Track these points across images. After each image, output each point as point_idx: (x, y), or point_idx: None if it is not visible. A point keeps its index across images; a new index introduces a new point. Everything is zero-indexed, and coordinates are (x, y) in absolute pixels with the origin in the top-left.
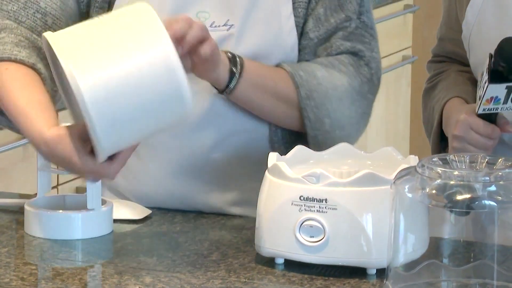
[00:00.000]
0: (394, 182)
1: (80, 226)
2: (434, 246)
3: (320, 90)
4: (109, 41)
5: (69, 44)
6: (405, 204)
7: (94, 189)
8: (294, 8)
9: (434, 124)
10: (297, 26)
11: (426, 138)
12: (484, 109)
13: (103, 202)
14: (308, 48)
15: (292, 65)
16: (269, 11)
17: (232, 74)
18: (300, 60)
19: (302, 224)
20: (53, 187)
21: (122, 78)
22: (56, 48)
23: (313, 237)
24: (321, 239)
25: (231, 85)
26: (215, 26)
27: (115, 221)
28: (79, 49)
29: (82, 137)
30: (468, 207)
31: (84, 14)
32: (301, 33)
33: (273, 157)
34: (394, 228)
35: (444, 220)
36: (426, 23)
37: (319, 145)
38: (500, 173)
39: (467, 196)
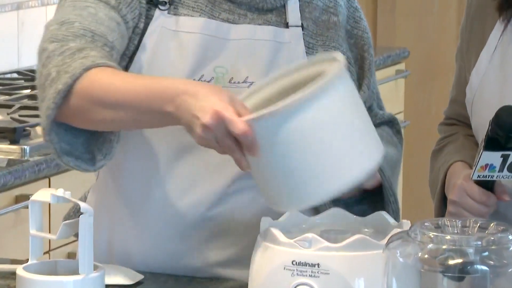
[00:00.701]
0: (386, 247)
1: None
2: None
3: (389, 167)
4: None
5: None
6: (398, 268)
7: (86, 254)
8: None
9: (438, 187)
10: None
11: (418, 200)
12: (478, 176)
13: (95, 267)
14: None
15: None
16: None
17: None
18: None
19: None
20: (45, 252)
21: None
22: None
23: None
24: None
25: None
26: (234, 82)
27: (107, 286)
28: None
29: None
30: (460, 272)
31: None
32: None
33: (265, 222)
34: None
35: (436, 285)
36: (418, 88)
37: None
38: (492, 238)
39: (460, 260)
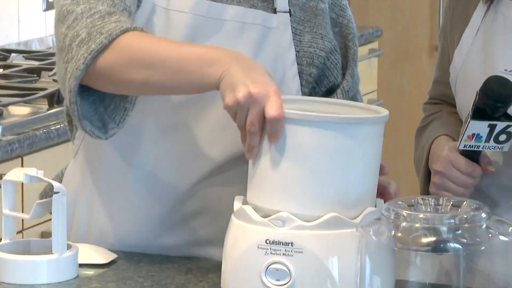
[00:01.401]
0: (360, 225)
1: (45, 271)
2: None
3: None
4: None
5: None
6: (371, 247)
7: (59, 234)
8: (298, 57)
9: (423, 161)
10: (299, 73)
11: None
12: (465, 145)
13: (68, 246)
14: None
15: None
16: (274, 56)
17: None
18: None
19: (268, 267)
20: (18, 232)
21: None
22: None
23: (279, 280)
24: (287, 283)
25: None
26: None
27: (81, 265)
28: None
29: None
30: (433, 250)
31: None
32: (334, 86)
33: (239, 201)
34: (360, 271)
35: (409, 263)
36: (391, 67)
37: None
38: (465, 216)
39: (433, 238)
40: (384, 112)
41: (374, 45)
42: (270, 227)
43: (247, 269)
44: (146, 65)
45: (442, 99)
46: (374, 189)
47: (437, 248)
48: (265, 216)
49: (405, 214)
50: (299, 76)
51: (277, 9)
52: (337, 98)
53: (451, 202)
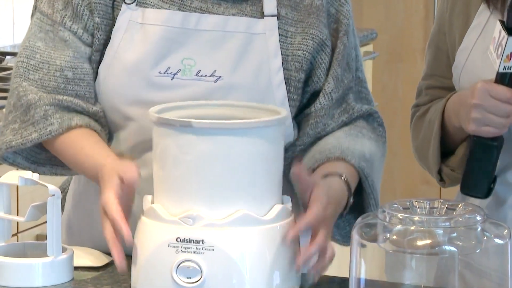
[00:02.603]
0: (354, 228)
1: (40, 273)
2: None
3: (372, 169)
4: None
5: None
6: (366, 250)
7: (54, 236)
8: (286, 62)
9: (434, 127)
10: (287, 79)
11: (385, 183)
12: (504, 67)
13: (64, 249)
14: (327, 109)
15: (349, 149)
16: (258, 63)
17: (348, 203)
18: (312, 120)
19: (179, 265)
20: (13, 235)
21: None
22: None
23: (190, 278)
24: (198, 280)
25: (344, 212)
26: (202, 75)
27: (76, 268)
28: None
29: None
30: (429, 253)
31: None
32: (317, 89)
33: (147, 200)
34: (354, 274)
35: (405, 266)
36: (385, 70)
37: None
38: (460, 219)
39: (428, 241)
40: (283, 113)
41: (369, 47)
42: (181, 225)
43: (158, 267)
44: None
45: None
46: (279, 186)
47: (432, 251)
48: (175, 215)
49: (400, 217)
50: (287, 82)
51: (265, 13)
52: (321, 102)
53: (446, 205)
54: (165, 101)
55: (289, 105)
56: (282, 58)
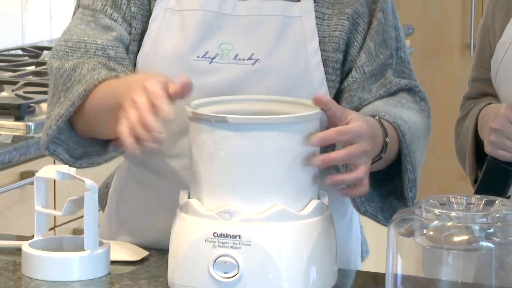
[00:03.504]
0: (391, 223)
1: (77, 268)
2: None
3: (411, 133)
4: None
5: None
6: (403, 245)
7: (91, 231)
8: (324, 43)
9: (469, 139)
10: (325, 60)
11: (423, 178)
12: None
13: (100, 243)
14: (360, 82)
15: (385, 111)
16: (295, 45)
17: (385, 144)
18: (346, 94)
19: (216, 260)
20: (50, 229)
21: None
22: None
23: (227, 273)
24: (235, 275)
25: (383, 155)
26: (239, 59)
27: (112, 262)
28: None
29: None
30: (465, 249)
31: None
32: (352, 67)
33: (184, 195)
34: (391, 269)
35: (441, 262)
36: (422, 65)
37: (415, 197)
38: (497, 215)
39: (465, 237)
40: (319, 108)
41: (406, 43)
42: (217, 220)
43: (195, 262)
44: (85, 121)
45: (480, 98)
46: (316, 181)
47: (469, 247)
48: (211, 210)
49: (437, 213)
50: (325, 63)
51: None
52: (352, 76)
53: (483, 201)
54: (203, 85)
55: (328, 86)
56: (319, 40)
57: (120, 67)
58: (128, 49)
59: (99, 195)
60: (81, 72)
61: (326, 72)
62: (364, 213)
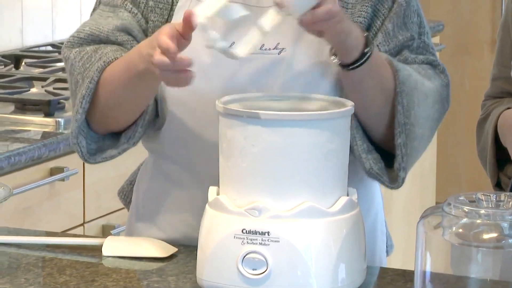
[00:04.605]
0: (420, 220)
1: None
2: (461, 285)
3: (411, 80)
4: None
5: None
6: (432, 242)
7: None
8: None
9: (489, 143)
10: None
11: (452, 175)
12: None
13: None
14: None
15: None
16: (318, 39)
17: (364, 53)
18: None
19: (244, 257)
20: (79, 225)
21: None
22: None
23: (255, 269)
24: (264, 272)
25: (360, 62)
26: (265, 49)
27: (140, 259)
28: None
29: None
30: (495, 246)
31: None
32: None
33: (213, 191)
34: (420, 266)
35: (470, 259)
36: (452, 62)
37: (405, 145)
38: None
39: (494, 235)
40: (350, 104)
41: (436, 39)
42: (246, 217)
43: (223, 258)
44: (111, 90)
45: (501, 96)
46: (345, 178)
47: (498, 244)
48: (240, 206)
49: (466, 210)
50: None
51: None
52: None
53: None
54: (231, 74)
55: None
56: None
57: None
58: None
59: (123, 192)
60: (103, 51)
61: None
62: (369, 171)
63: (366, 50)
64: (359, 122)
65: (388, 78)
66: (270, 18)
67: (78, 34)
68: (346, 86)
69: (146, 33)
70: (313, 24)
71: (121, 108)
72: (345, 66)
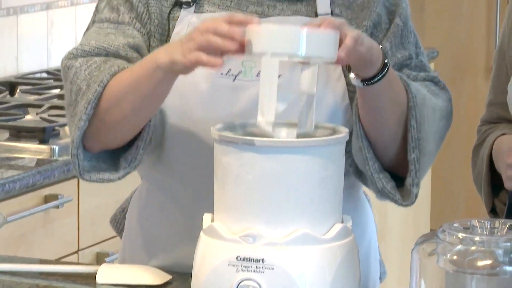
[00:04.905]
0: (415, 247)
1: None
2: None
3: (420, 94)
4: None
5: None
6: (426, 269)
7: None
8: None
9: (484, 169)
10: (344, 71)
11: (448, 201)
12: None
13: None
14: None
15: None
16: None
17: (385, 63)
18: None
19: (239, 284)
20: (73, 253)
21: None
22: None
23: None
24: None
25: (382, 73)
26: None
27: (135, 286)
28: None
29: None
30: (489, 273)
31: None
32: None
33: (208, 218)
34: None
35: (465, 286)
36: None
37: (418, 160)
38: None
39: (489, 262)
40: (344, 131)
41: (430, 66)
42: (241, 244)
43: (218, 286)
44: (120, 97)
45: (497, 121)
46: (339, 204)
47: (493, 271)
48: (235, 233)
49: (461, 237)
50: (345, 74)
51: (318, 12)
52: None
53: (507, 225)
54: (228, 102)
55: (349, 96)
56: None
57: None
58: None
59: (115, 220)
60: (114, 62)
61: (348, 84)
62: (382, 190)
63: (386, 61)
64: (369, 143)
65: (401, 92)
66: (307, 78)
67: (82, 47)
68: (364, 103)
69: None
70: (348, 58)
71: (125, 117)
72: (366, 81)
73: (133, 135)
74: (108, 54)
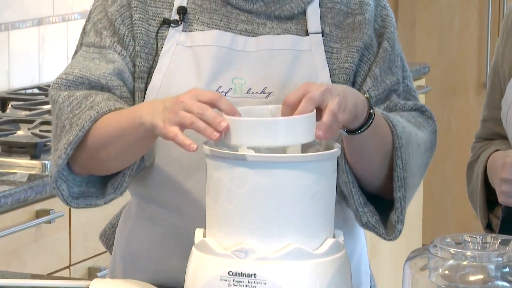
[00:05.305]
0: (407, 262)
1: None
2: None
3: (406, 133)
4: None
5: None
6: (418, 284)
7: None
8: (334, 75)
9: (479, 185)
10: None
11: (439, 216)
12: None
13: None
14: None
15: (380, 111)
16: (307, 77)
17: (370, 114)
18: None
19: None
20: (65, 268)
21: None
22: None
23: None
24: None
25: (368, 124)
26: (252, 93)
27: None
28: None
29: None
30: None
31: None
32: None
33: (199, 233)
34: None
35: None
36: (438, 104)
37: (404, 199)
38: None
39: (480, 277)
40: (336, 146)
41: (422, 82)
42: (233, 259)
43: None
44: (104, 143)
45: (491, 138)
46: (331, 219)
47: (485, 286)
48: (227, 248)
49: (453, 252)
50: None
51: (309, 31)
52: None
53: (499, 240)
54: None
55: None
56: (329, 71)
57: (126, 106)
58: (133, 88)
59: (105, 235)
60: (95, 99)
61: None
62: (366, 224)
63: (371, 111)
64: (355, 177)
65: (387, 134)
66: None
67: (66, 76)
68: (350, 148)
69: (133, 77)
70: (325, 136)
71: (111, 159)
72: (352, 131)
73: (120, 169)
74: (91, 83)
